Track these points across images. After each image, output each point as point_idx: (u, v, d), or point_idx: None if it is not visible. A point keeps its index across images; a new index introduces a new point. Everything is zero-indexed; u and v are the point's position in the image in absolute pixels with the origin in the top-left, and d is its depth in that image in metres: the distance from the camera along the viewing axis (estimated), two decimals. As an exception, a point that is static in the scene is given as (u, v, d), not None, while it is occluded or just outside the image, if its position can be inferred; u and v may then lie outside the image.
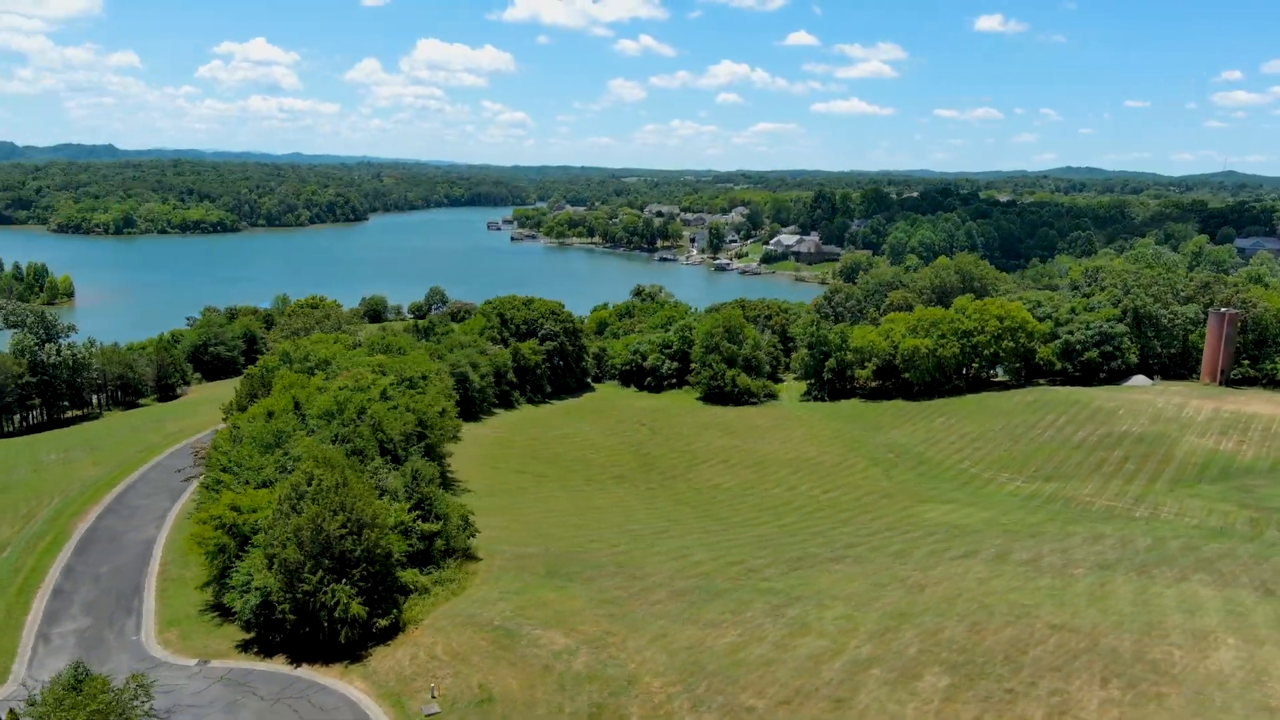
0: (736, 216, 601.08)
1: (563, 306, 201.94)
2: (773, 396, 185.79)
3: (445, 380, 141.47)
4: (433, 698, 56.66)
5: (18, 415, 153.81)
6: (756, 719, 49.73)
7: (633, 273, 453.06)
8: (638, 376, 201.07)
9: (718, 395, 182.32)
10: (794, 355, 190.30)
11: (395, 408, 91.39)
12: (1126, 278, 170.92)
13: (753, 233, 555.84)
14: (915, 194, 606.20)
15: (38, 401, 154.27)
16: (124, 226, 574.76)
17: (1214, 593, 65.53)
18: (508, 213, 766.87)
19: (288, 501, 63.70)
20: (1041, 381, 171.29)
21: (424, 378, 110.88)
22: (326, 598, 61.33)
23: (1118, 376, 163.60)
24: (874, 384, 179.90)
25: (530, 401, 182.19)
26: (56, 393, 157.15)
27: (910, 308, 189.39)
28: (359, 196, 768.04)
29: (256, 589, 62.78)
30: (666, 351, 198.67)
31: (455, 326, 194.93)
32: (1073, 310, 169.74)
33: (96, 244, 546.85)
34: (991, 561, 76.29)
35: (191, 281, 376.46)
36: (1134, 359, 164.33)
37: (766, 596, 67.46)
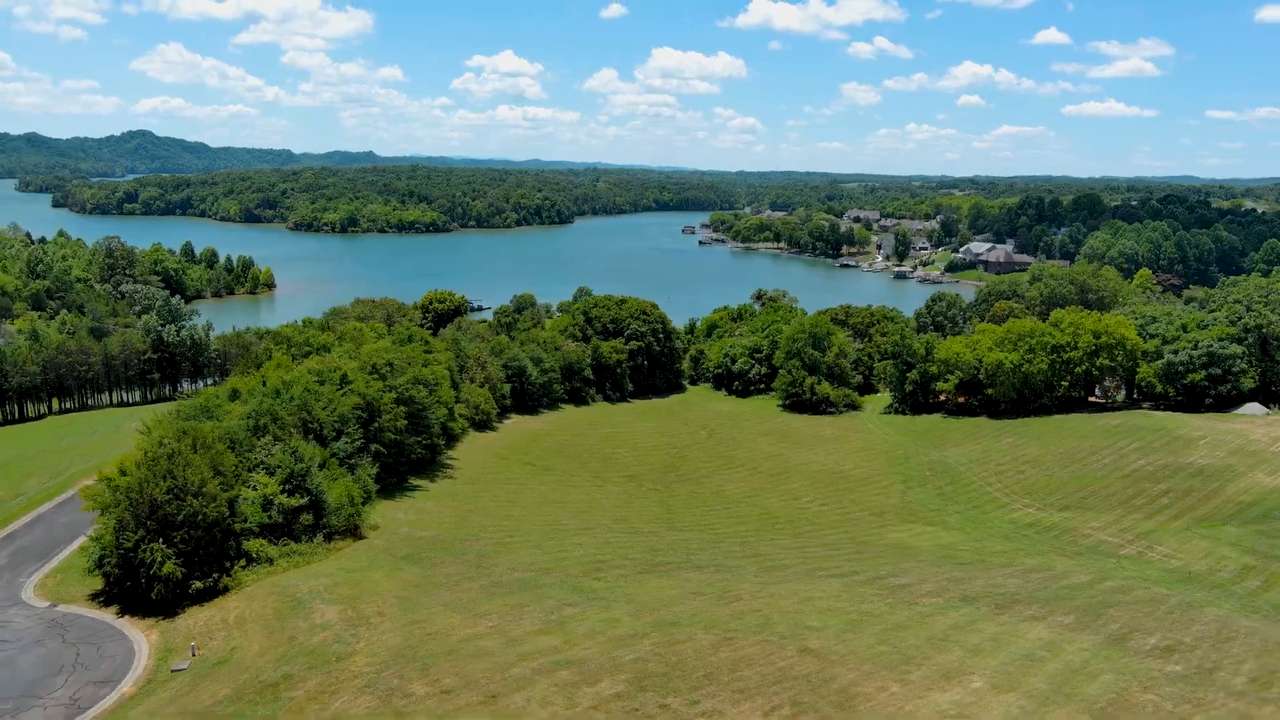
0: (932, 223, 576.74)
1: (655, 307, 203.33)
2: (854, 407, 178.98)
3: (492, 371, 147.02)
4: (192, 655, 60.65)
5: (139, 389, 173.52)
6: (411, 703, 50.12)
7: (801, 277, 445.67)
8: (728, 380, 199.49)
9: (798, 403, 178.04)
10: (876, 366, 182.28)
11: (344, 392, 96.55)
12: (1252, 293, 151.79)
13: (945, 240, 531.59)
14: (1133, 201, 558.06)
15: (157, 376, 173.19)
16: (349, 225, 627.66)
17: (1046, 634, 58.74)
18: (706, 217, 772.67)
19: (130, 465, 69.85)
20: (1146, 405, 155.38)
21: (424, 367, 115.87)
22: (145, 555, 66.81)
23: (1228, 403, 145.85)
24: (960, 399, 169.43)
25: (607, 399, 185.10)
26: (177, 369, 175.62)
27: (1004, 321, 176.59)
28: (566, 200, 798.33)
29: (94, 541, 69.35)
30: (756, 356, 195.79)
31: (548, 323, 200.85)
32: (1183, 327, 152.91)
33: (323, 240, 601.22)
34: (858, 583, 71.56)
35: (382, 275, 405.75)
36: (1251, 384, 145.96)
37: (567, 594, 66.88)
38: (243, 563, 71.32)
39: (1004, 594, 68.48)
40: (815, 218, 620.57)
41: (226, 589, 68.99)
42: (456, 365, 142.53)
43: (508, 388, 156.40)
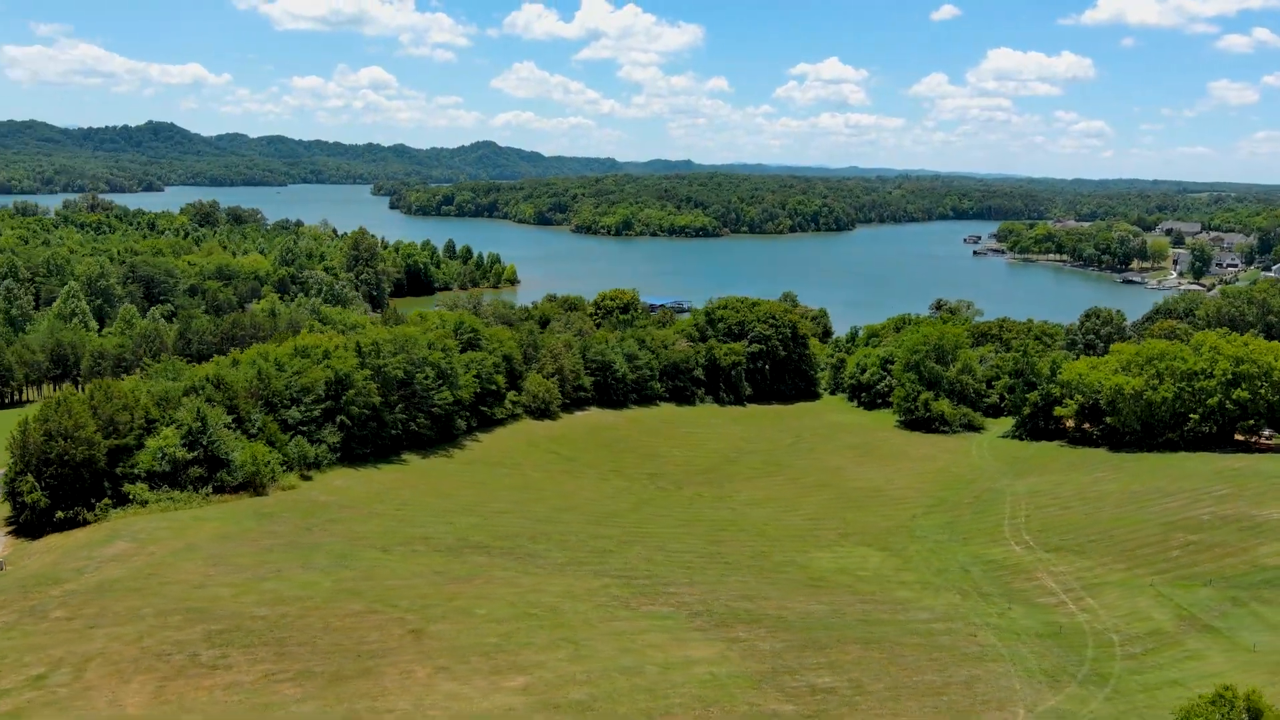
0: (1250, 238, 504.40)
1: (789, 311, 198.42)
2: (973, 428, 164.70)
3: (565, 363, 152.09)
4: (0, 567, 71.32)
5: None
6: (51, 623, 56.28)
7: (1047, 290, 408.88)
8: (858, 391, 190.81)
9: (913, 420, 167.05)
10: (997, 384, 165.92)
11: (322, 366, 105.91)
12: None
13: (1257, 257, 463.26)
14: None
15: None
16: (623, 229, 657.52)
17: (679, 652, 54.56)
18: (994, 227, 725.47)
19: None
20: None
21: (431, 349, 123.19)
22: (19, 485, 78.89)
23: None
24: (1083, 426, 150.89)
25: (719, 401, 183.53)
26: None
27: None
28: (846, 207, 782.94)
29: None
30: (887, 367, 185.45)
31: (679, 320, 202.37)
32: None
33: (600, 241, 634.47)
34: (603, 587, 69.09)
35: (627, 274, 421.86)
36: None
37: (321, 558, 70.52)
38: (109, 501, 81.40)
39: (728, 612, 63.37)
40: (1115, 227, 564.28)
41: (86, 521, 79.34)
42: (522, 356, 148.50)
43: (589, 380, 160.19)
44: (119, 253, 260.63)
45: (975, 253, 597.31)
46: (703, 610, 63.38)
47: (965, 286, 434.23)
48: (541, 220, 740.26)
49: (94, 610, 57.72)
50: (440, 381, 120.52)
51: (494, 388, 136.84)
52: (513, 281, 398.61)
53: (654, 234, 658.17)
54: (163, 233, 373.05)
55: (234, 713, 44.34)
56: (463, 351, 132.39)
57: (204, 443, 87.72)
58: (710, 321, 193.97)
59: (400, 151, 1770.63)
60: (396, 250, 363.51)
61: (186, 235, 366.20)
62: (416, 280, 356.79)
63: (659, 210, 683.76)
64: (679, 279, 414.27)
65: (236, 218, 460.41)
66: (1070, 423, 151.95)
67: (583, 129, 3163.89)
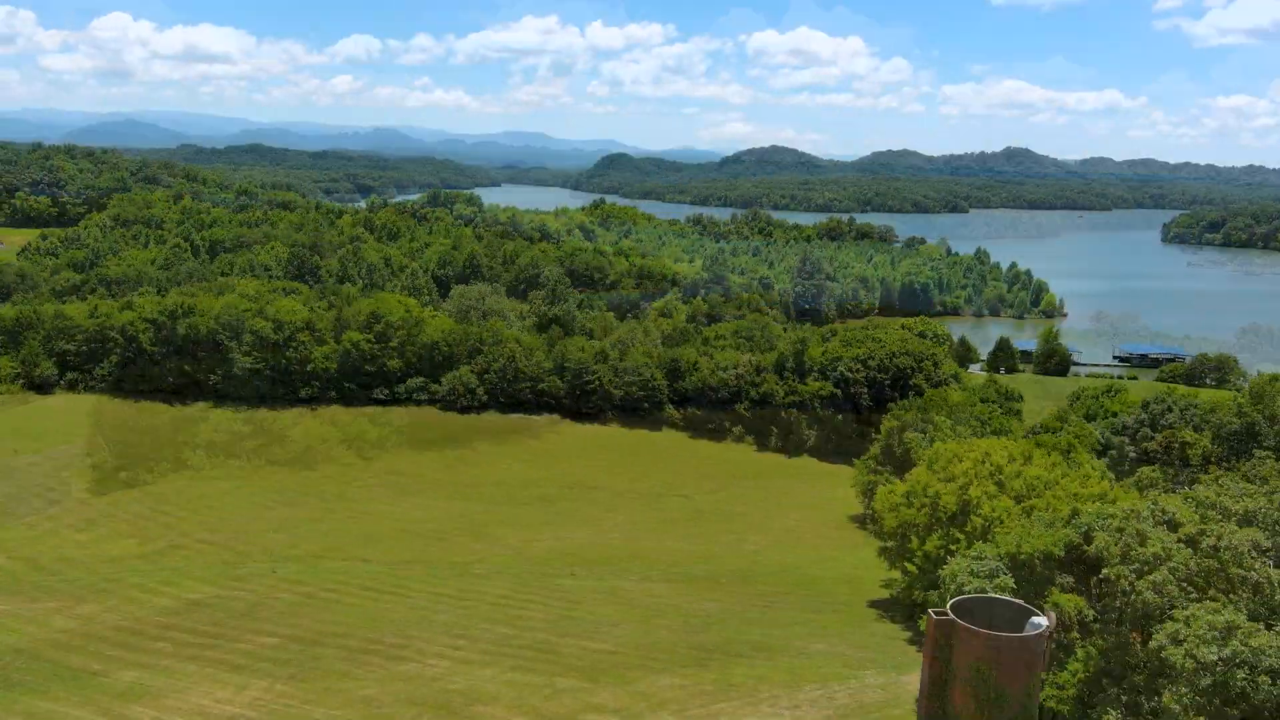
0: None
1: (936, 347, 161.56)
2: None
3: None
4: None
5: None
6: None
7: None
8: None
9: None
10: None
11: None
12: None
13: None
14: None
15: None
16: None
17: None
18: None
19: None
20: None
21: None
22: None
23: None
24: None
25: (761, 445, 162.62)
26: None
27: None
28: None
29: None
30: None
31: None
32: None
33: None
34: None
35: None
36: None
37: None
38: None
39: None
40: None
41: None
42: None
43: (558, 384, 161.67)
44: (572, 252, 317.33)
45: None
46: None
47: None
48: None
49: None
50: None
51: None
52: (1049, 314, 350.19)
53: None
54: (745, 238, 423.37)
55: None
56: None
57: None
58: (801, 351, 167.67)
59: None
60: (892, 266, 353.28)
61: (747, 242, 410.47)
62: (912, 298, 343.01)
63: None
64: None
65: (863, 234, 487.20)
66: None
67: None
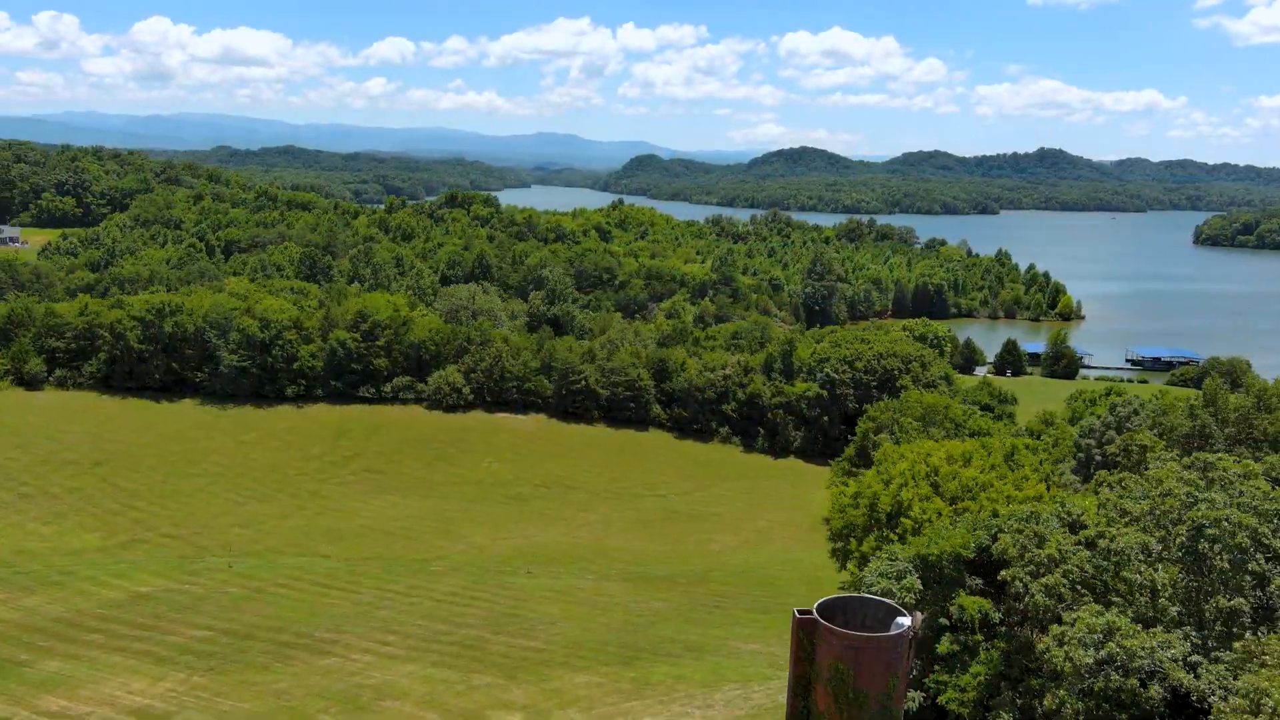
0: None
1: (927, 353, 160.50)
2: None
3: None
4: None
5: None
6: None
7: None
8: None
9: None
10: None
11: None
12: None
13: None
14: None
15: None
16: None
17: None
18: None
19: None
20: None
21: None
22: None
23: None
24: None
25: (748, 447, 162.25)
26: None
27: None
28: None
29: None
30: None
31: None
32: None
33: None
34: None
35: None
36: None
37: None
38: None
39: None
40: None
41: None
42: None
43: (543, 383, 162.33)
44: (582, 252, 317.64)
45: None
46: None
47: None
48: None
49: None
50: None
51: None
52: (1066, 317, 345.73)
53: None
54: (764, 239, 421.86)
55: None
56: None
57: None
58: (789, 350, 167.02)
59: None
60: (908, 268, 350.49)
61: (764, 242, 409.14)
62: (926, 301, 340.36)
63: None
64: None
65: (883, 235, 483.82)
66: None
67: None
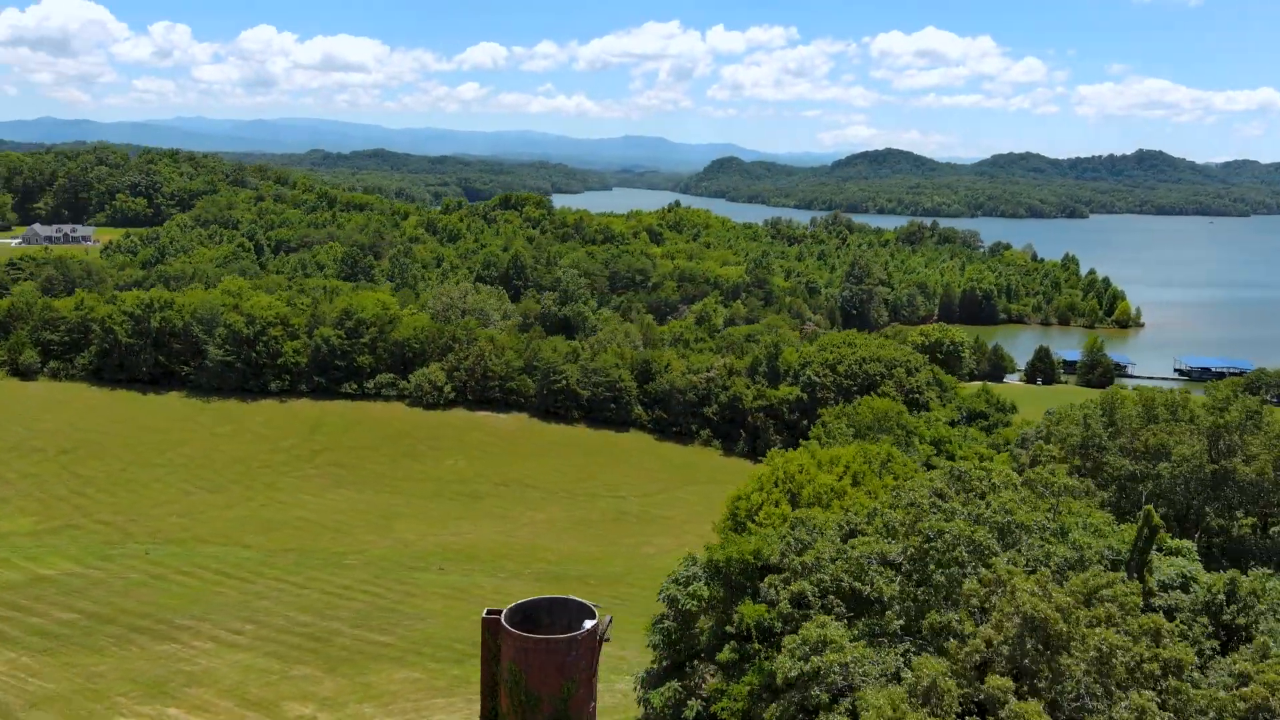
0: None
1: (914, 359, 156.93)
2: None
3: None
4: None
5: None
6: None
7: None
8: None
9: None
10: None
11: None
12: None
13: None
14: None
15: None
16: None
17: None
18: None
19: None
20: None
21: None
22: None
23: None
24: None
25: (727, 450, 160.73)
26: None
27: None
28: None
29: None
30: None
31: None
32: None
33: None
34: None
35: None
36: None
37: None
38: None
39: None
40: None
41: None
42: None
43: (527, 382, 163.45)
44: (618, 254, 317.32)
45: None
46: None
47: None
48: None
49: None
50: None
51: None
52: (1123, 324, 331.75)
53: None
54: (821, 242, 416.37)
55: None
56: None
57: None
58: (775, 355, 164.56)
59: None
60: (960, 272, 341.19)
61: (822, 244, 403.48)
62: (974, 306, 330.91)
63: None
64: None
65: (945, 238, 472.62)
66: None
67: None
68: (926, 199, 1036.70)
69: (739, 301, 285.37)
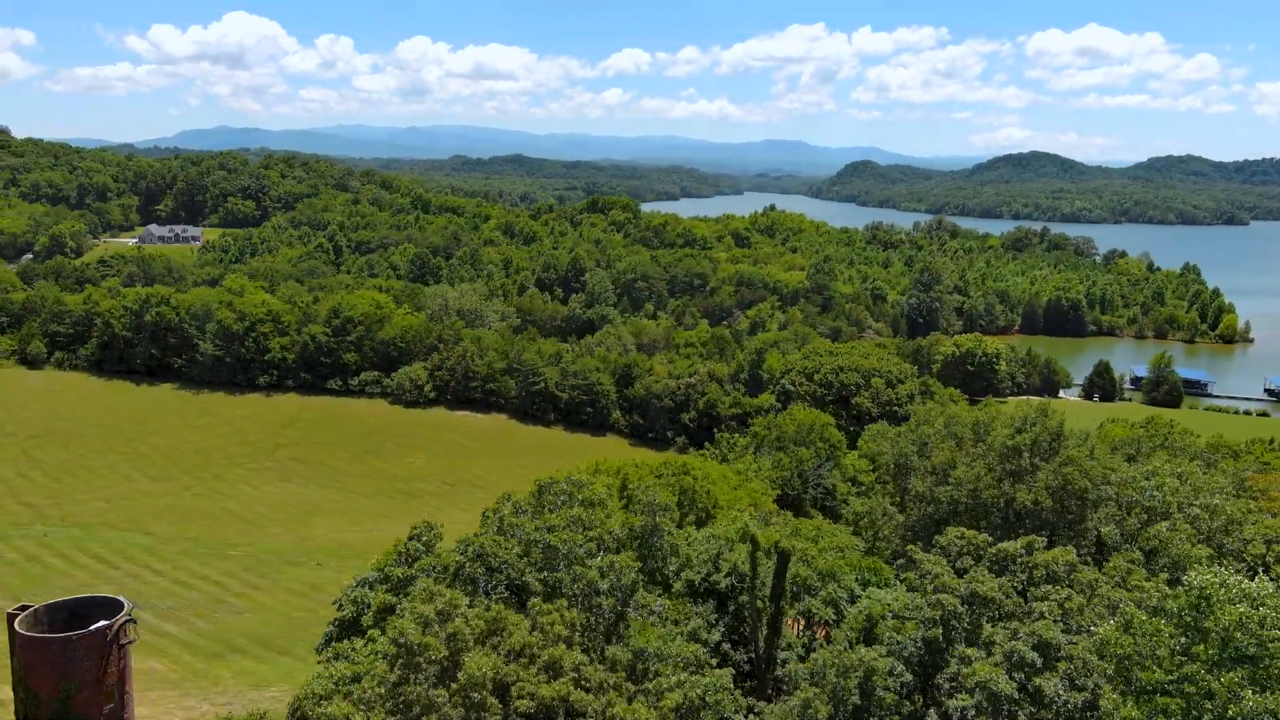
0: None
1: (903, 372, 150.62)
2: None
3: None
4: None
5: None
6: None
7: None
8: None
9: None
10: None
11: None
12: None
13: None
14: None
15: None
16: None
17: None
18: None
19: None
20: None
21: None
22: None
23: None
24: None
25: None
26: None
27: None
28: None
29: None
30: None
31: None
32: None
33: None
34: None
35: None
36: None
37: None
38: None
39: None
40: None
41: None
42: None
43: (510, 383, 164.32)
44: (679, 258, 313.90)
45: None
46: None
47: None
48: None
49: None
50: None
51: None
52: (1228, 339, 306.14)
53: None
54: (919, 248, 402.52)
55: None
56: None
57: None
58: (758, 361, 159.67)
59: None
60: (1045, 280, 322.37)
61: (919, 250, 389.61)
62: (1060, 316, 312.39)
63: None
64: None
65: (1055, 245, 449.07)
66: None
67: None
68: (1067, 204, 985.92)
69: (795, 308, 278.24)
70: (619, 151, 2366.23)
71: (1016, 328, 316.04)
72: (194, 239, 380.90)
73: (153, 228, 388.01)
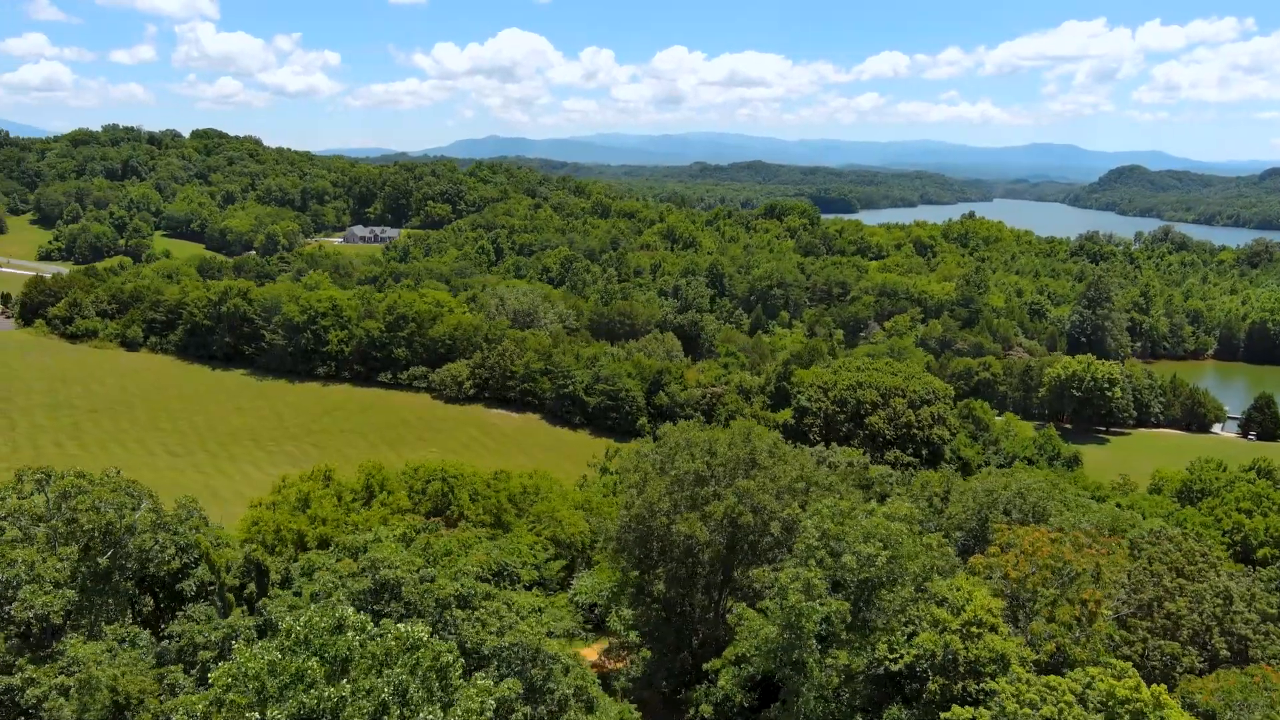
0: None
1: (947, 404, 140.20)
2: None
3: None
4: None
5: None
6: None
7: None
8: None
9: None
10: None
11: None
12: None
13: None
14: None
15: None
16: None
17: None
18: None
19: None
20: None
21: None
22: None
23: None
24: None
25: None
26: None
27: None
28: None
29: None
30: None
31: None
32: None
33: None
34: None
35: None
36: None
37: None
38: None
39: None
40: None
41: None
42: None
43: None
44: (821, 266, 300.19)
45: None
46: None
47: None
48: None
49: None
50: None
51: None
52: None
53: None
54: (1134, 261, 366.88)
55: None
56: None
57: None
58: (784, 378, 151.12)
59: None
60: (1256, 300, 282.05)
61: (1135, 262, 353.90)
62: (1266, 342, 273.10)
63: None
64: None
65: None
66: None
67: None
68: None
69: (936, 320, 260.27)
70: (869, 157, 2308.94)
71: (1211, 352, 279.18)
72: (389, 239, 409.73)
73: (356, 229, 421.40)
